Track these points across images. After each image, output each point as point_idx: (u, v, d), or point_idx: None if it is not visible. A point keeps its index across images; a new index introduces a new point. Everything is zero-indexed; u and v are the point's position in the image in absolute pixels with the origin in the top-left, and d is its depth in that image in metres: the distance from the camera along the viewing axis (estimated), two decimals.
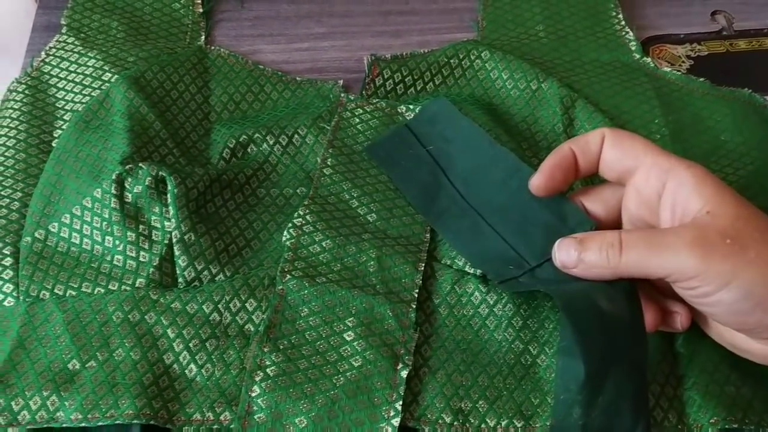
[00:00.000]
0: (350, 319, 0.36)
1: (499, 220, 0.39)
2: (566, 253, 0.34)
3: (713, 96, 0.48)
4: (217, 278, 0.38)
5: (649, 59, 0.50)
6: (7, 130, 0.44)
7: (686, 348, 0.37)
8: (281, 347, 0.35)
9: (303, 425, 0.33)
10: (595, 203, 0.37)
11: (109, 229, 0.38)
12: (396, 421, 0.33)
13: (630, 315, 0.33)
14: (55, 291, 0.37)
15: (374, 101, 0.46)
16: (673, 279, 0.32)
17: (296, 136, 0.44)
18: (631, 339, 0.32)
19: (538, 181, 0.36)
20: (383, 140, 0.44)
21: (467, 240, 0.39)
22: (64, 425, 0.33)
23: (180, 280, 0.38)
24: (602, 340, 0.31)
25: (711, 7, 0.55)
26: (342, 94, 0.47)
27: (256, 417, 0.33)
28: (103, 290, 0.37)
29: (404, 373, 0.34)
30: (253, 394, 0.34)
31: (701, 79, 0.49)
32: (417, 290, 0.37)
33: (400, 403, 0.34)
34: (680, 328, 0.35)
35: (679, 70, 0.51)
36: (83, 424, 0.33)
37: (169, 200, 0.38)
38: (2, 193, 0.41)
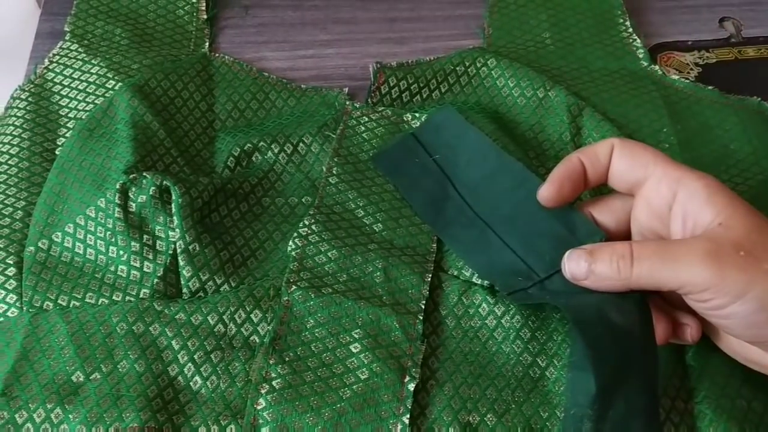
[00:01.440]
0: (357, 330, 0.36)
1: (507, 230, 0.38)
2: (576, 265, 0.33)
3: (722, 104, 0.48)
4: (221, 289, 0.38)
5: (656, 67, 0.50)
6: (10, 138, 0.44)
7: (696, 361, 0.36)
8: (287, 359, 0.35)
9: None
10: (604, 214, 0.37)
11: (113, 239, 0.38)
12: None
13: (641, 328, 0.32)
14: (59, 301, 0.37)
15: (380, 109, 0.46)
16: (686, 291, 0.31)
17: (301, 144, 0.44)
18: (642, 352, 0.32)
19: (546, 192, 0.36)
20: (389, 149, 0.44)
21: (475, 251, 0.39)
22: None
23: (184, 290, 0.37)
24: (613, 354, 0.31)
25: (719, 14, 0.55)
26: (347, 102, 0.46)
27: (261, 430, 0.33)
28: (107, 301, 0.37)
29: (411, 386, 0.34)
30: (259, 407, 0.33)
31: (710, 87, 0.49)
32: (424, 301, 0.37)
33: (408, 416, 0.33)
34: (690, 340, 0.34)
35: (687, 78, 0.50)
36: None
37: (174, 210, 0.38)
38: (5, 201, 0.41)
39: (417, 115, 0.45)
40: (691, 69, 0.52)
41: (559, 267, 0.35)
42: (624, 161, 0.35)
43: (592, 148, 0.36)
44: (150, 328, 0.36)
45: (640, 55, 0.51)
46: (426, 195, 0.41)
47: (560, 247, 0.35)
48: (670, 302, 0.35)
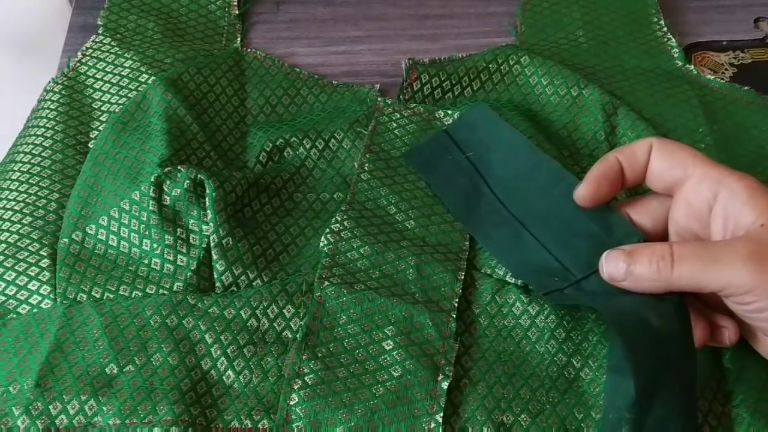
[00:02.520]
0: (389, 327, 0.35)
1: (542, 229, 0.38)
2: (614, 266, 0.33)
3: (758, 105, 0.47)
4: (254, 283, 0.38)
5: (691, 66, 0.49)
6: (43, 130, 0.44)
7: (734, 364, 0.36)
8: (320, 355, 0.35)
9: None
10: (641, 214, 0.36)
11: (146, 232, 0.38)
12: None
13: (680, 330, 0.32)
14: (93, 294, 0.37)
15: (412, 106, 0.45)
16: (727, 293, 0.31)
17: (333, 140, 0.44)
18: (681, 355, 0.31)
19: (583, 192, 0.36)
20: (421, 146, 0.43)
21: (508, 249, 0.38)
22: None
23: (217, 284, 0.37)
24: (652, 358, 0.30)
25: (754, 14, 0.54)
26: (379, 99, 0.46)
27: (294, 426, 0.33)
28: (140, 294, 0.37)
29: (445, 385, 0.34)
30: (292, 403, 0.33)
31: (745, 88, 0.48)
32: (457, 299, 0.37)
33: (441, 415, 0.33)
34: (728, 343, 0.34)
35: (722, 78, 0.49)
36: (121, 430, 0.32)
37: (208, 204, 0.38)
38: (39, 193, 0.41)
39: (449, 112, 0.45)
40: (726, 69, 0.51)
41: (596, 268, 0.34)
42: (663, 161, 0.34)
43: (630, 148, 0.35)
44: (183, 322, 0.36)
45: (675, 55, 0.50)
46: (459, 192, 0.41)
47: (597, 248, 0.35)
48: (708, 304, 0.35)
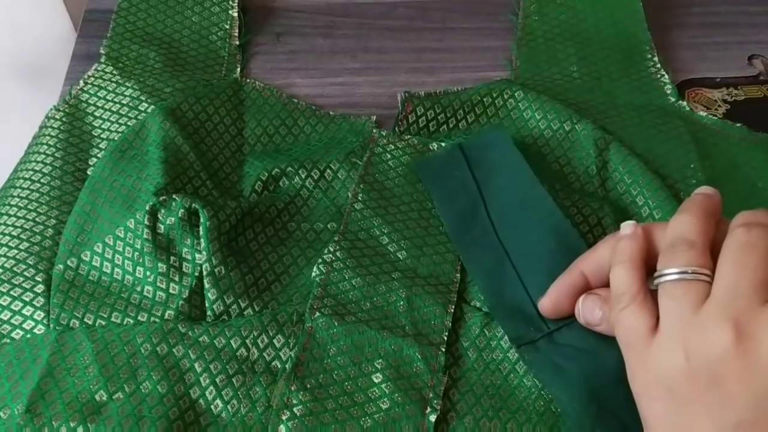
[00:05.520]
0: (379, 360, 0.36)
1: (525, 263, 0.38)
2: (590, 311, 0.34)
3: (750, 142, 0.48)
4: (245, 312, 0.38)
5: (684, 103, 0.50)
6: (43, 157, 0.45)
7: None
8: (308, 386, 0.35)
9: None
10: None
11: (140, 260, 0.39)
12: None
13: None
14: (85, 320, 0.38)
15: (406, 137, 0.46)
16: None
17: (328, 170, 0.44)
18: None
19: (545, 305, 0.36)
20: (434, 157, 0.44)
21: (489, 277, 0.39)
22: None
23: (209, 313, 0.38)
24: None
25: (748, 52, 0.55)
26: (374, 130, 0.47)
27: None
28: (132, 321, 0.37)
29: (432, 418, 0.34)
30: None
31: (738, 125, 0.48)
32: (446, 333, 0.37)
33: None
34: None
35: (715, 115, 0.50)
36: None
37: (201, 233, 0.38)
38: (36, 219, 0.42)
39: (443, 144, 0.45)
40: (719, 105, 0.51)
41: (569, 321, 0.35)
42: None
43: (594, 257, 0.35)
44: (174, 350, 0.36)
45: (668, 91, 0.50)
46: (458, 210, 0.41)
47: None
48: None
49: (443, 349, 0.36)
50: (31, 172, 0.44)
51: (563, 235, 0.38)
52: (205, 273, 0.38)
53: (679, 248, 0.30)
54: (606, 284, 0.34)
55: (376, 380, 0.35)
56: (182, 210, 0.38)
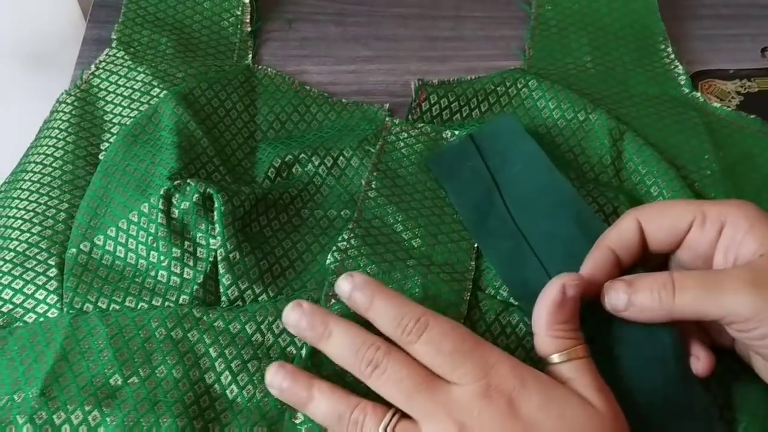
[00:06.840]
0: None
1: (545, 249, 0.38)
2: (616, 296, 0.33)
3: (764, 133, 0.47)
4: (260, 298, 0.38)
5: (698, 94, 0.50)
6: (55, 141, 0.45)
7: (736, 390, 0.36)
8: (324, 374, 0.35)
9: None
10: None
11: (154, 245, 0.38)
12: None
13: (678, 371, 0.32)
14: (99, 304, 0.37)
15: (419, 125, 0.46)
16: (728, 321, 0.31)
17: (341, 157, 0.44)
18: (684, 394, 0.32)
19: (580, 288, 0.34)
20: (445, 150, 0.44)
21: (509, 264, 0.39)
22: None
23: (223, 298, 0.38)
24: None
25: (762, 44, 0.55)
26: (387, 118, 0.47)
27: None
28: (146, 305, 0.37)
29: None
30: (297, 421, 0.33)
31: (752, 116, 0.48)
32: (462, 320, 0.37)
33: None
34: (700, 374, 0.34)
35: (728, 106, 0.50)
36: None
37: (216, 218, 0.38)
38: (49, 203, 0.42)
39: (456, 132, 0.45)
40: (733, 97, 0.51)
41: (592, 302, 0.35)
42: (659, 225, 0.34)
43: (617, 231, 0.35)
44: (188, 335, 0.36)
45: (682, 82, 0.50)
46: (472, 201, 0.41)
47: None
48: (687, 333, 0.35)
49: None
50: (43, 156, 0.44)
51: (585, 221, 0.38)
52: (219, 258, 0.38)
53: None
54: (635, 259, 0.34)
55: None
56: (197, 194, 0.38)
